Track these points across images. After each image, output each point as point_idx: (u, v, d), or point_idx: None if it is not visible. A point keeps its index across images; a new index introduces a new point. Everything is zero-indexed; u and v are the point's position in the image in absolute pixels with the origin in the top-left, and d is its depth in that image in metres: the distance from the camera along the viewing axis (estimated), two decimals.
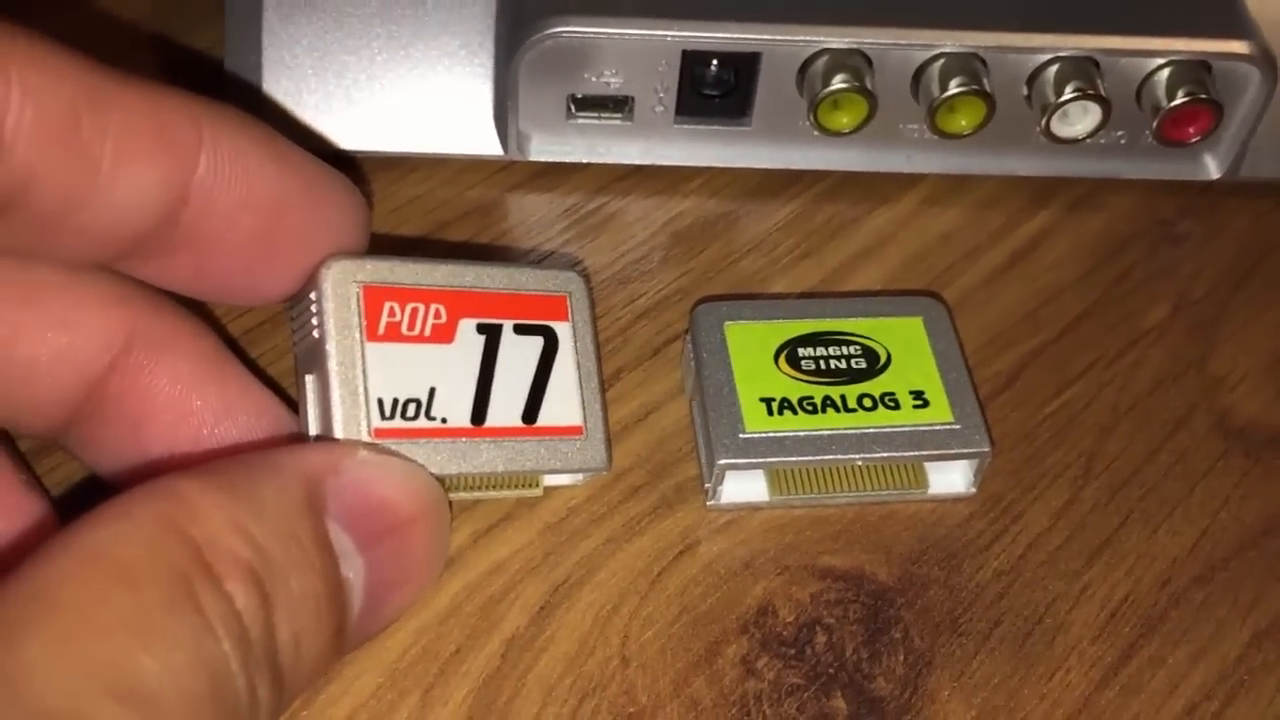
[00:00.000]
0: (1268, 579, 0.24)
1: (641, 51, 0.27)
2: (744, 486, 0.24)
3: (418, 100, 0.28)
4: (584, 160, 0.29)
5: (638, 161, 0.29)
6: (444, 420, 0.21)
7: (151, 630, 0.15)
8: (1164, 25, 0.27)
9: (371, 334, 0.21)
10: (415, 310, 0.21)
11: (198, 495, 0.17)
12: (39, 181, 0.17)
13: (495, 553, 0.23)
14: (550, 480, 0.24)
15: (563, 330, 0.23)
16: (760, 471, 0.24)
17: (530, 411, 0.22)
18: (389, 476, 0.20)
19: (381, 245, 0.27)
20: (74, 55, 0.17)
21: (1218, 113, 0.28)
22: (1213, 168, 0.30)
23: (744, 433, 0.23)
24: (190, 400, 0.21)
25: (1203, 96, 0.27)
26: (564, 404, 0.23)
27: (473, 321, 0.22)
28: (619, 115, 0.28)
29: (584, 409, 0.23)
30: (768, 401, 0.24)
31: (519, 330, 0.23)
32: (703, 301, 0.26)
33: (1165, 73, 0.28)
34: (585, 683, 0.22)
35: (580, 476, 0.24)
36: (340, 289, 0.21)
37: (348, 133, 0.28)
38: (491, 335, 0.22)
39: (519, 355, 0.22)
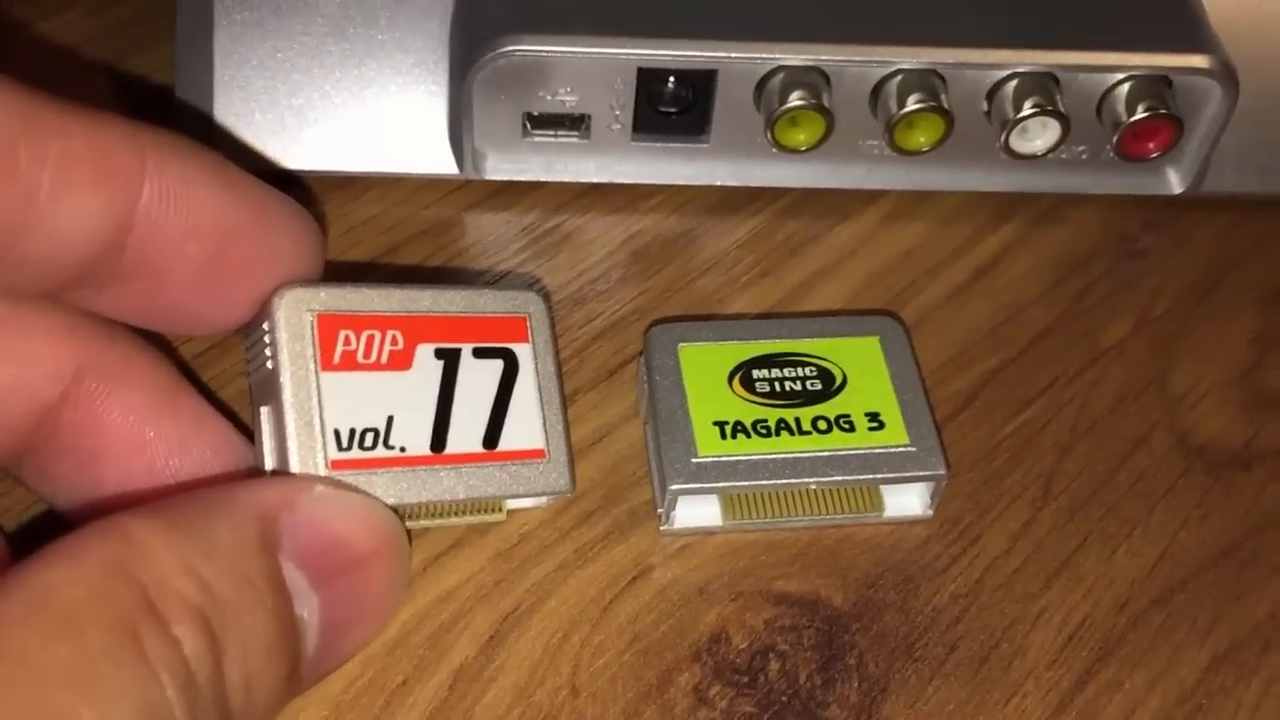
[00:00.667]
0: (1226, 600, 0.24)
1: (596, 69, 0.27)
2: (697, 511, 0.24)
3: (372, 119, 0.28)
4: (541, 179, 0.28)
5: (595, 179, 0.29)
6: (403, 449, 0.21)
7: (93, 680, 0.15)
8: (1124, 40, 0.27)
9: (326, 363, 0.20)
10: (371, 338, 0.21)
11: (147, 536, 0.16)
12: None
13: (445, 581, 0.23)
14: (513, 504, 0.23)
15: (523, 352, 0.23)
16: (714, 496, 0.24)
17: (491, 437, 0.22)
18: (345, 512, 0.20)
19: (336, 268, 0.27)
20: (10, 83, 0.17)
21: (1178, 127, 0.28)
22: (1175, 182, 0.29)
23: (696, 457, 0.23)
24: (144, 432, 0.21)
25: (1163, 111, 0.27)
26: (525, 427, 0.22)
27: (430, 347, 0.22)
28: (575, 133, 0.28)
29: (546, 431, 0.22)
30: (721, 425, 0.23)
31: (478, 354, 0.22)
32: (657, 323, 0.25)
33: (1125, 88, 0.27)
34: (534, 713, 0.21)
35: (544, 499, 0.24)
36: (294, 318, 0.20)
37: (301, 152, 0.28)
38: (450, 360, 0.22)
39: (479, 379, 0.22)
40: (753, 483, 0.23)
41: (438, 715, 0.21)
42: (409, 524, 0.21)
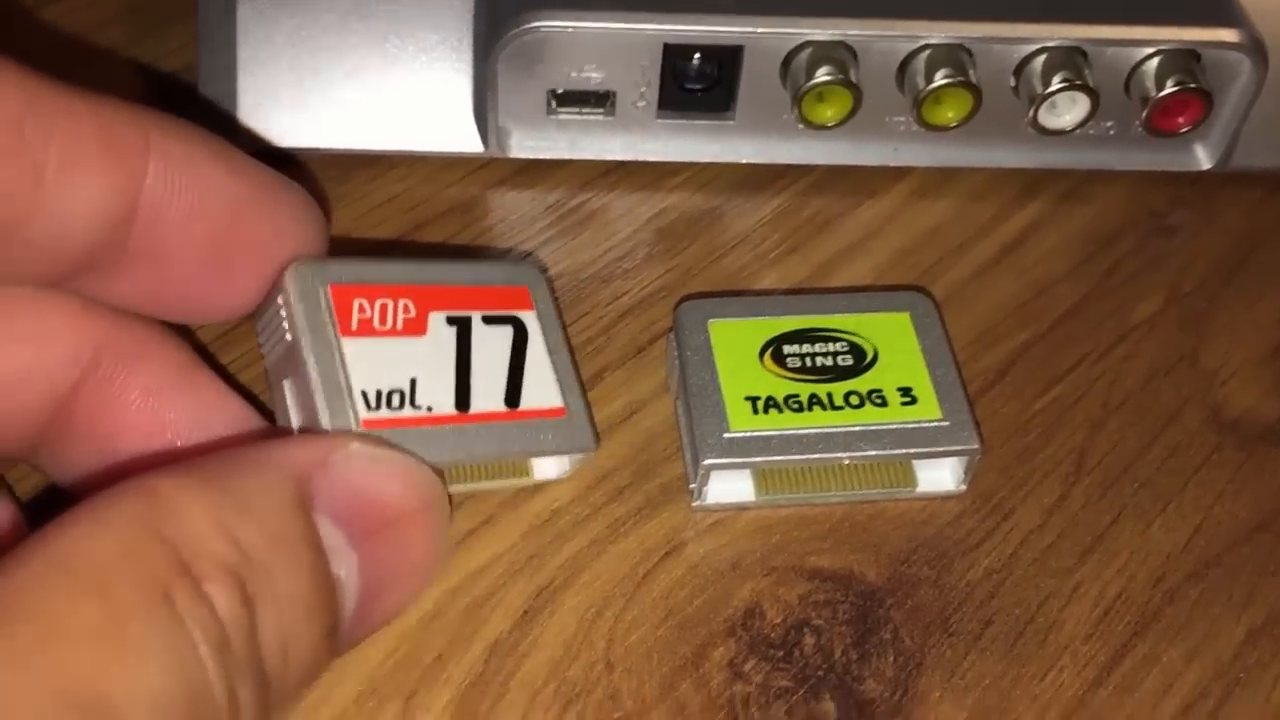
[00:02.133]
0: (1262, 574, 0.24)
1: (622, 46, 0.26)
2: (730, 486, 0.23)
3: (395, 97, 0.28)
4: (566, 156, 0.28)
5: (620, 157, 0.28)
6: (429, 409, 0.21)
7: (122, 640, 0.15)
8: (1152, 14, 0.27)
9: (345, 329, 0.20)
10: (385, 305, 0.21)
11: (176, 493, 0.16)
12: None
13: (478, 556, 0.23)
14: (539, 471, 0.23)
15: (529, 319, 0.23)
16: (746, 471, 0.23)
17: (512, 396, 0.22)
18: (382, 468, 0.19)
19: (352, 246, 0.27)
20: (14, 64, 0.17)
21: (1207, 102, 0.27)
22: (1204, 158, 0.29)
23: (729, 432, 0.23)
24: (163, 412, 0.21)
25: (1192, 86, 0.27)
26: (543, 388, 0.22)
27: (442, 314, 0.22)
28: (600, 110, 0.28)
29: (563, 392, 0.23)
30: (753, 400, 0.23)
31: (488, 320, 0.22)
32: (686, 299, 0.25)
33: (1154, 62, 0.27)
34: (569, 688, 0.21)
35: (568, 464, 0.23)
36: (307, 289, 0.20)
37: (325, 130, 0.28)
38: (462, 326, 0.22)
39: (492, 344, 0.22)
40: (785, 457, 0.23)
41: (473, 690, 0.21)
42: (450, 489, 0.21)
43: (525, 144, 0.28)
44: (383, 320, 0.21)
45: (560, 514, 0.23)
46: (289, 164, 0.28)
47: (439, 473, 0.20)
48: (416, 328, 0.21)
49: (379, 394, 0.20)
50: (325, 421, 0.20)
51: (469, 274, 0.23)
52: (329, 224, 0.22)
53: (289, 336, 0.20)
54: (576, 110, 0.28)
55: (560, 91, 0.27)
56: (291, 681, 0.17)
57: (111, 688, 0.14)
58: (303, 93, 0.28)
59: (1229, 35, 0.27)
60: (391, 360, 0.21)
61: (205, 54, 0.28)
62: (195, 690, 0.15)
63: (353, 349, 0.20)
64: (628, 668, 0.22)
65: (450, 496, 0.21)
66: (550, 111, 0.28)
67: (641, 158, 0.28)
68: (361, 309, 0.21)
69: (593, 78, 0.27)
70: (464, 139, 0.28)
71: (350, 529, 0.18)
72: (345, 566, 0.18)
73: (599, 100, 0.28)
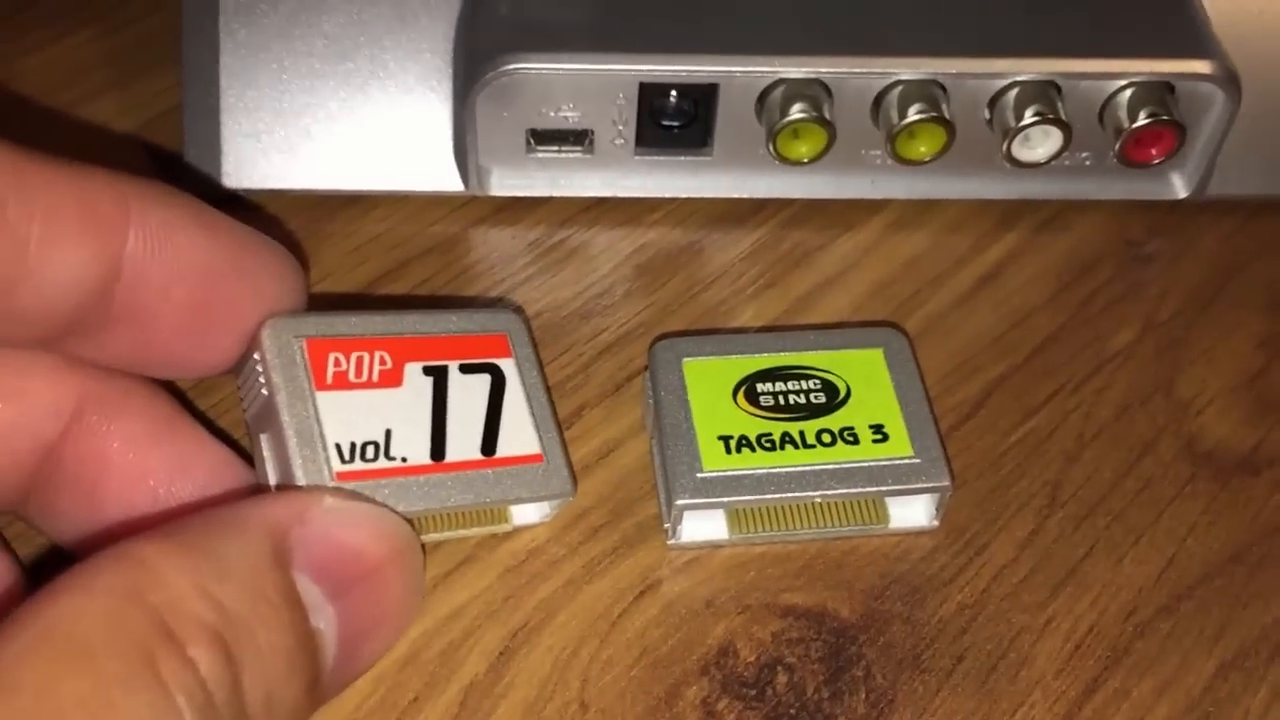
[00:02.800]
0: (1234, 607, 0.24)
1: (598, 85, 0.27)
2: (704, 525, 0.24)
3: (377, 137, 0.28)
4: (545, 194, 0.29)
5: (599, 194, 0.29)
6: (404, 459, 0.21)
7: (108, 711, 0.15)
8: (1125, 46, 0.27)
9: (320, 383, 0.21)
10: (360, 358, 0.22)
11: (159, 559, 0.17)
12: None
13: (455, 598, 0.23)
14: (518, 518, 0.24)
15: (507, 366, 0.23)
16: (720, 510, 0.24)
17: (489, 444, 0.22)
18: (356, 522, 0.20)
19: (326, 289, 0.27)
20: None
21: (1180, 134, 0.28)
22: (1180, 187, 0.29)
23: (702, 472, 0.23)
24: (145, 460, 0.21)
25: (1165, 118, 0.27)
26: (520, 435, 0.23)
27: (418, 364, 0.22)
28: (579, 148, 0.28)
29: (541, 438, 0.23)
30: (726, 439, 0.24)
31: (465, 369, 0.23)
32: (662, 338, 0.25)
33: (1127, 94, 0.27)
34: None
35: (547, 509, 0.24)
36: (282, 345, 0.21)
37: (308, 171, 0.28)
38: (439, 376, 0.22)
39: (468, 392, 0.23)
40: (758, 497, 0.23)
41: None
42: (425, 538, 0.22)
43: (505, 182, 0.28)
44: (358, 373, 0.21)
45: (537, 554, 0.24)
46: (258, 212, 0.28)
47: (411, 522, 0.21)
48: (392, 379, 0.22)
49: (353, 446, 0.21)
50: (300, 476, 0.20)
51: (447, 323, 0.23)
52: (309, 269, 0.22)
53: (265, 392, 0.21)
54: (555, 149, 0.28)
55: (538, 130, 0.28)
56: None
57: None
58: (286, 134, 0.28)
59: (1202, 67, 0.27)
60: (366, 412, 0.21)
61: (189, 97, 0.28)
62: None
63: (327, 402, 0.21)
64: (602, 708, 0.22)
65: (424, 544, 0.21)
66: (529, 150, 0.28)
67: (620, 194, 0.29)
68: (337, 362, 0.21)
69: (570, 117, 0.27)
70: (444, 178, 0.28)
71: (327, 583, 0.19)
72: (324, 620, 0.18)
73: (577, 138, 0.28)
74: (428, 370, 0.22)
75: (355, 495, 0.20)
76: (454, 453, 0.22)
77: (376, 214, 0.29)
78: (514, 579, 0.23)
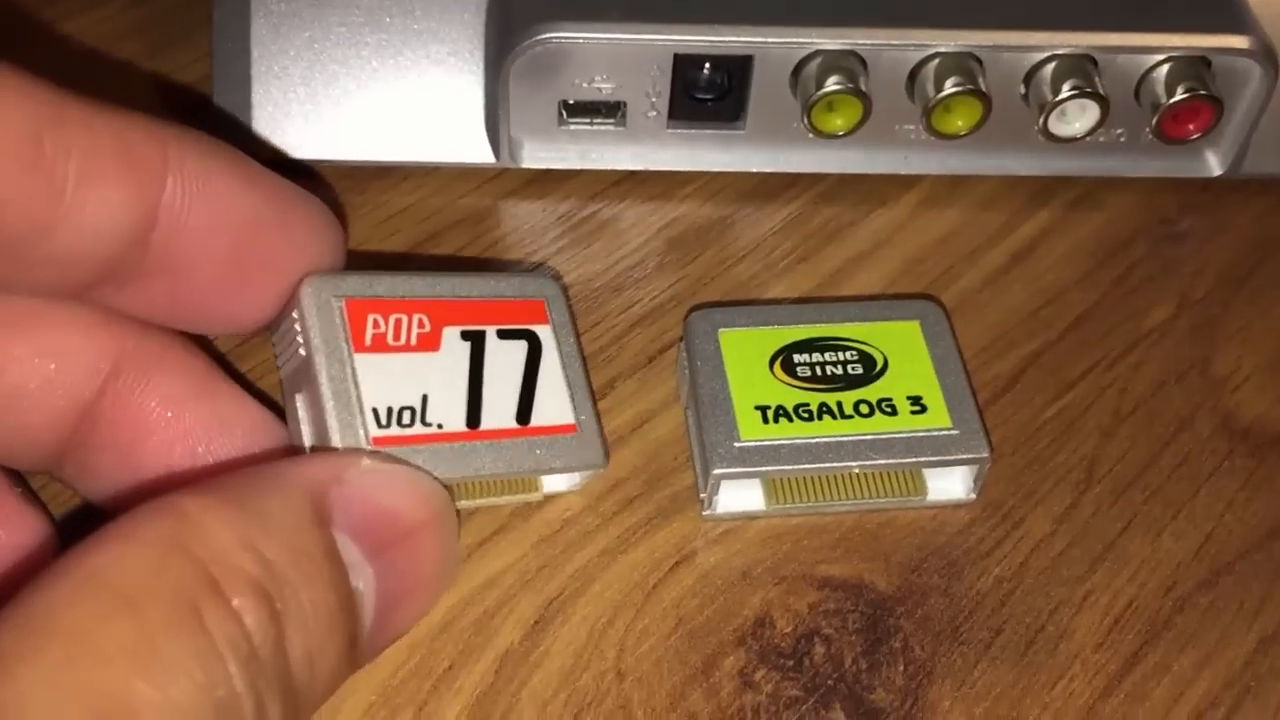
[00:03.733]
0: (1274, 582, 0.24)
1: (632, 56, 0.27)
2: (740, 496, 0.24)
3: (408, 109, 0.28)
4: (577, 166, 0.28)
5: (631, 167, 0.29)
6: (440, 425, 0.21)
7: (152, 656, 0.15)
8: (1162, 21, 0.27)
9: (358, 345, 0.21)
10: (399, 321, 0.21)
11: (202, 512, 0.17)
12: (2, 205, 0.17)
13: (489, 567, 0.23)
14: (549, 486, 0.24)
15: (544, 333, 0.23)
16: (756, 480, 0.23)
17: (523, 413, 0.22)
18: (395, 484, 0.20)
19: (367, 257, 0.27)
20: (32, 79, 0.17)
21: (1218, 109, 0.27)
22: (1214, 164, 0.29)
23: (739, 441, 0.23)
24: (183, 419, 0.21)
25: (1202, 93, 0.27)
26: (555, 405, 0.23)
27: (456, 329, 0.22)
28: (611, 120, 0.28)
29: (575, 408, 0.23)
30: (763, 409, 0.23)
31: (502, 335, 0.23)
32: (697, 308, 0.25)
33: (1164, 69, 0.27)
34: (580, 698, 0.21)
35: (578, 479, 0.24)
36: (322, 304, 0.20)
37: (338, 142, 0.28)
38: (476, 341, 0.22)
39: (505, 359, 0.22)
40: (796, 466, 0.23)
41: (484, 700, 0.21)
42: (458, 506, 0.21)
43: (537, 154, 0.28)
44: (396, 336, 0.21)
45: (571, 524, 0.24)
46: (307, 175, 0.28)
47: (447, 488, 0.20)
48: (430, 343, 0.22)
49: (390, 411, 0.20)
50: (336, 439, 0.20)
51: (485, 287, 0.23)
52: (347, 236, 0.22)
53: (303, 351, 0.20)
54: (587, 121, 0.28)
55: (571, 102, 0.28)
56: (317, 693, 0.17)
57: (140, 703, 0.15)
58: (316, 105, 0.28)
59: (1239, 41, 0.27)
60: (404, 376, 0.21)
61: (220, 67, 0.28)
62: (223, 703, 0.15)
63: (365, 365, 0.20)
64: (638, 677, 0.22)
65: (459, 511, 0.21)
66: (561, 122, 0.28)
67: (652, 167, 0.29)
68: (376, 324, 0.21)
69: (603, 88, 0.27)
70: (476, 150, 0.28)
71: (366, 543, 0.18)
72: (363, 580, 0.18)
73: (610, 111, 0.28)
74: (465, 335, 0.22)
75: (392, 459, 0.20)
76: (489, 420, 0.22)
77: (406, 186, 0.29)
78: (548, 548, 0.23)
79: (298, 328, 0.20)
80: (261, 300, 0.21)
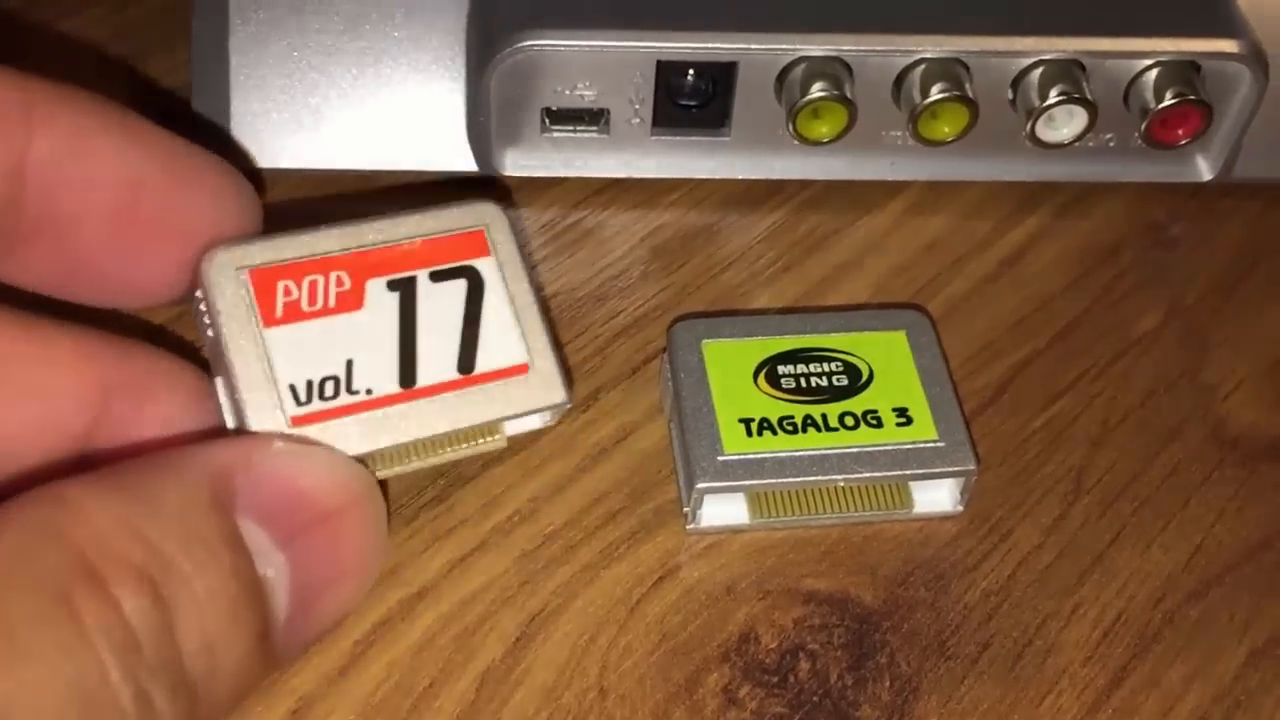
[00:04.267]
0: (1263, 595, 0.23)
1: (615, 63, 0.26)
2: (724, 509, 0.23)
3: (389, 116, 0.28)
4: (560, 175, 0.28)
5: (615, 175, 0.28)
6: (369, 391, 0.19)
7: (11, 650, 0.14)
8: (1151, 25, 0.27)
9: (268, 319, 0.19)
10: (314, 283, 0.20)
11: (83, 498, 0.16)
12: None
13: (469, 582, 0.23)
14: (512, 429, 0.21)
15: (486, 266, 0.21)
16: (740, 494, 0.23)
17: (466, 361, 0.20)
18: (307, 466, 0.19)
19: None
20: None
21: (1207, 114, 0.27)
22: (1204, 169, 0.29)
23: (722, 455, 0.23)
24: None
25: (1192, 97, 0.27)
26: (503, 344, 0.21)
27: (381, 280, 0.20)
28: (594, 128, 0.28)
29: (526, 344, 0.21)
30: (747, 422, 0.23)
31: (435, 277, 0.20)
32: (680, 319, 0.25)
33: (1153, 74, 0.27)
34: (563, 715, 0.21)
35: (544, 418, 0.22)
36: (225, 279, 0.19)
37: (319, 150, 0.28)
38: (406, 290, 0.20)
39: (441, 304, 0.20)
40: (780, 480, 0.23)
41: (465, 718, 0.21)
42: (402, 468, 0.20)
43: (519, 163, 0.28)
44: (312, 300, 0.20)
45: (553, 539, 0.23)
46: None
47: (385, 458, 0.19)
48: (352, 302, 0.20)
49: (309, 385, 0.19)
50: (252, 422, 0.19)
51: (415, 227, 0.21)
52: (264, 194, 0.21)
53: (210, 332, 0.19)
54: (570, 128, 0.28)
55: (554, 109, 0.27)
56: (222, 688, 0.17)
57: None
58: (296, 113, 0.28)
59: (1229, 46, 0.27)
60: (323, 344, 0.19)
61: (199, 74, 0.27)
62: (91, 693, 0.15)
63: (277, 339, 0.19)
64: (621, 694, 0.21)
65: (417, 470, 0.20)
66: (544, 130, 0.28)
67: (636, 175, 0.28)
68: (287, 291, 0.20)
69: (586, 95, 0.27)
70: (457, 158, 0.28)
71: (275, 529, 0.17)
72: (273, 567, 0.17)
73: (593, 118, 0.28)
74: (393, 285, 0.20)
75: (307, 440, 0.19)
76: (426, 376, 0.20)
77: (388, 195, 0.29)
78: (530, 564, 0.23)
79: (203, 307, 0.19)
80: (163, 267, 0.20)
